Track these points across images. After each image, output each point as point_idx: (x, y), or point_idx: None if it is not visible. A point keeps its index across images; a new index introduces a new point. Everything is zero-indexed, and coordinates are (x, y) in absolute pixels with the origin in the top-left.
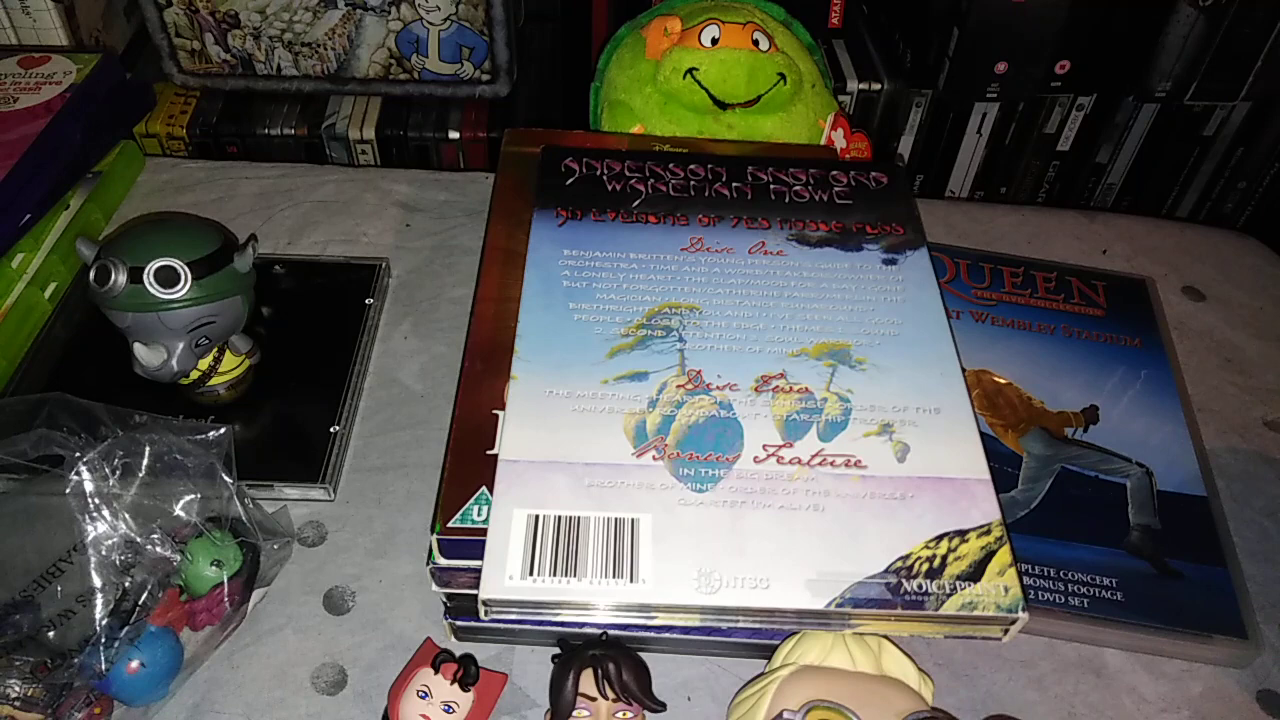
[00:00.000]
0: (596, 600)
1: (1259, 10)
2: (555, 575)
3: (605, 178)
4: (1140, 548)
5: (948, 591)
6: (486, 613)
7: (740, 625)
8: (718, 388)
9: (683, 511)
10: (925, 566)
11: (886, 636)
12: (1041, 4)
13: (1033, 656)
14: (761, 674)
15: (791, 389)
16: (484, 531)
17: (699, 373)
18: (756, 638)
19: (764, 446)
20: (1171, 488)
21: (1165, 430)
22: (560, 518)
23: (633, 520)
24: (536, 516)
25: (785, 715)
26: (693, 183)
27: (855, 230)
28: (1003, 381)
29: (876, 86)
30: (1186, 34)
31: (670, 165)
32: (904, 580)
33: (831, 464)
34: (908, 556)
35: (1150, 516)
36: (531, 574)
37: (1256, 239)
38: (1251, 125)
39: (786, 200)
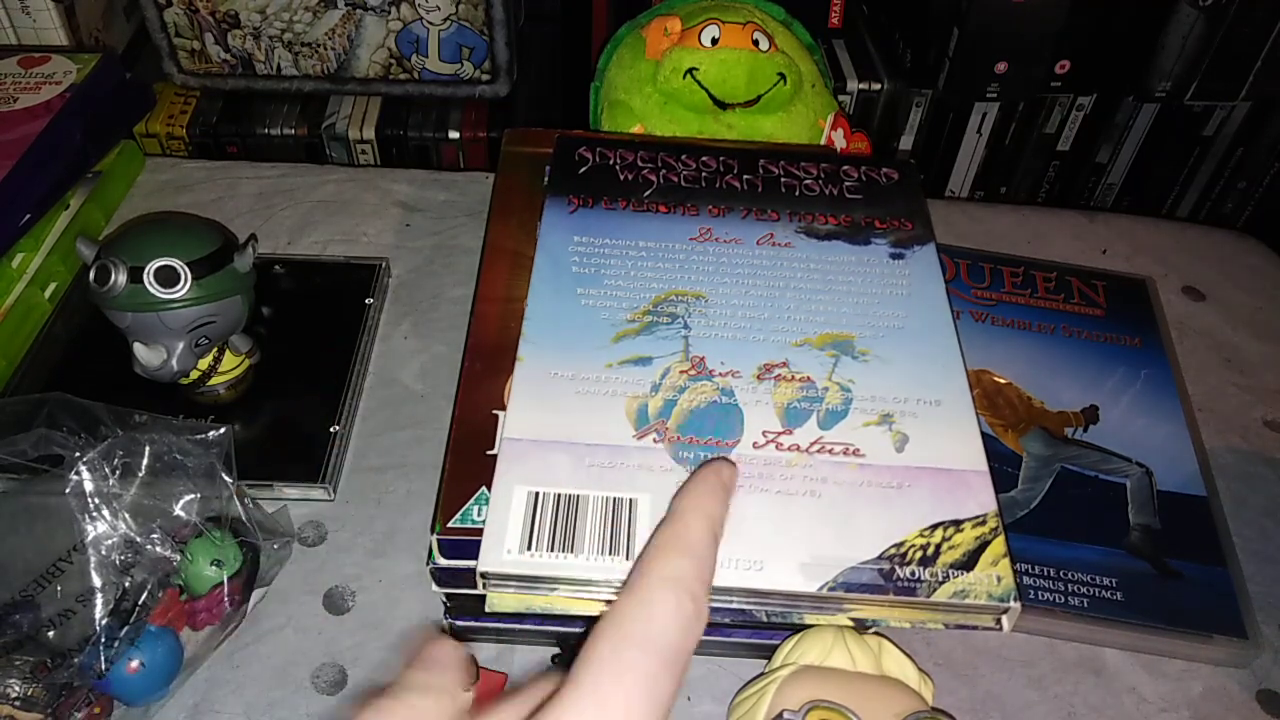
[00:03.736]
0: (592, 576)
1: (1259, 10)
2: (553, 551)
3: (618, 167)
4: (1140, 548)
5: (940, 579)
6: (484, 586)
7: (734, 606)
8: (720, 374)
9: None
10: (919, 554)
11: (883, 634)
12: (1041, 4)
13: (1033, 656)
14: (761, 674)
15: (793, 377)
16: (483, 531)
17: (702, 359)
18: (756, 637)
19: (763, 432)
20: (1171, 488)
21: (1165, 430)
22: (560, 495)
23: (631, 500)
24: (537, 494)
25: (785, 715)
26: (704, 174)
27: (864, 224)
28: (1003, 381)
29: (876, 86)
30: (1186, 34)
31: (682, 156)
32: (897, 567)
33: (830, 452)
34: (902, 544)
35: (1150, 516)
36: (529, 549)
37: (1256, 239)
38: (1251, 125)
39: (796, 193)
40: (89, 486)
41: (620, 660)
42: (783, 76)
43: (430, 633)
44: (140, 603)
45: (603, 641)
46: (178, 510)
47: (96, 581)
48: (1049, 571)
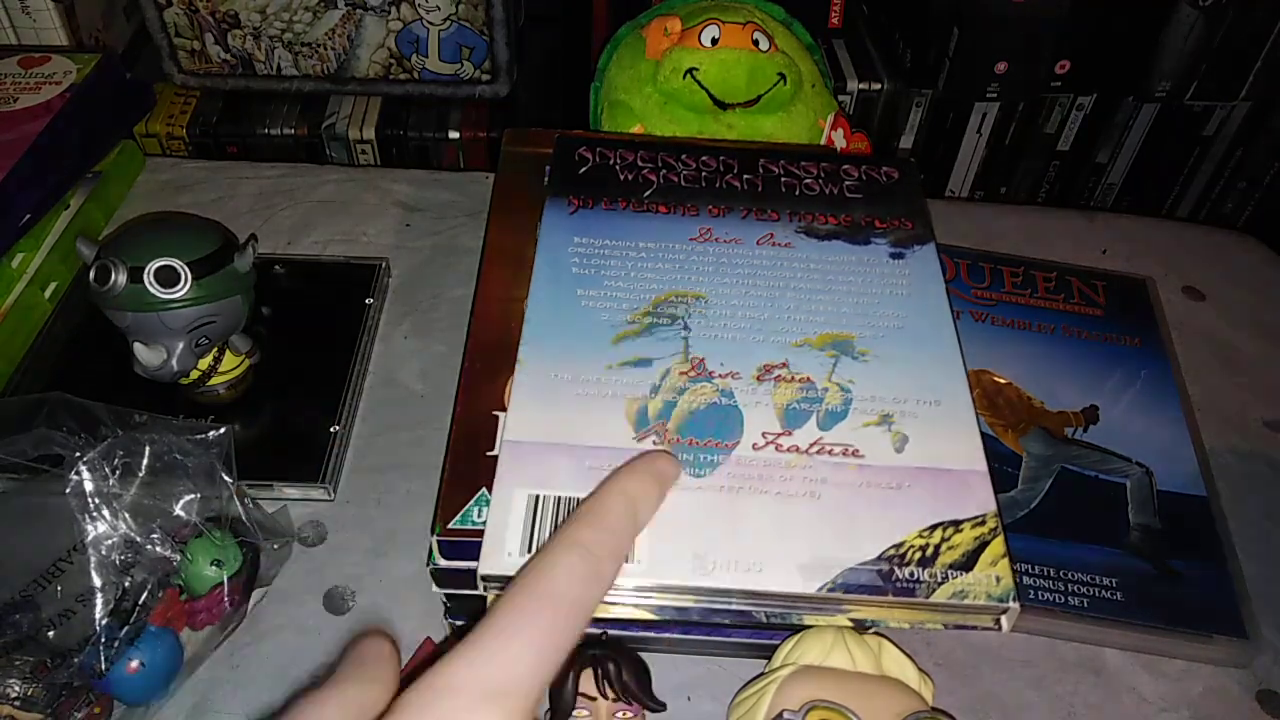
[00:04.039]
0: None
1: (1259, 10)
2: None
3: (617, 167)
4: (1140, 548)
5: (939, 580)
6: (485, 588)
7: (733, 607)
8: (720, 375)
9: (680, 495)
10: (918, 555)
11: (883, 634)
12: (1041, 4)
13: (1033, 656)
14: (761, 674)
15: (793, 378)
16: (483, 533)
17: (702, 360)
18: (756, 637)
19: (763, 434)
20: (1171, 488)
21: (1165, 430)
22: (560, 498)
23: None
24: (537, 496)
25: (785, 715)
26: (704, 174)
27: (864, 224)
28: (1003, 381)
29: (876, 86)
30: (1186, 34)
31: (682, 156)
32: (896, 568)
33: (829, 453)
34: (901, 545)
35: (1150, 516)
36: (530, 552)
37: (1256, 239)
38: (1251, 125)
39: (796, 193)
40: (89, 486)
41: (521, 607)
42: (783, 76)
43: (368, 635)
44: (140, 603)
45: (509, 593)
46: (178, 510)
47: (96, 581)
48: (1049, 571)
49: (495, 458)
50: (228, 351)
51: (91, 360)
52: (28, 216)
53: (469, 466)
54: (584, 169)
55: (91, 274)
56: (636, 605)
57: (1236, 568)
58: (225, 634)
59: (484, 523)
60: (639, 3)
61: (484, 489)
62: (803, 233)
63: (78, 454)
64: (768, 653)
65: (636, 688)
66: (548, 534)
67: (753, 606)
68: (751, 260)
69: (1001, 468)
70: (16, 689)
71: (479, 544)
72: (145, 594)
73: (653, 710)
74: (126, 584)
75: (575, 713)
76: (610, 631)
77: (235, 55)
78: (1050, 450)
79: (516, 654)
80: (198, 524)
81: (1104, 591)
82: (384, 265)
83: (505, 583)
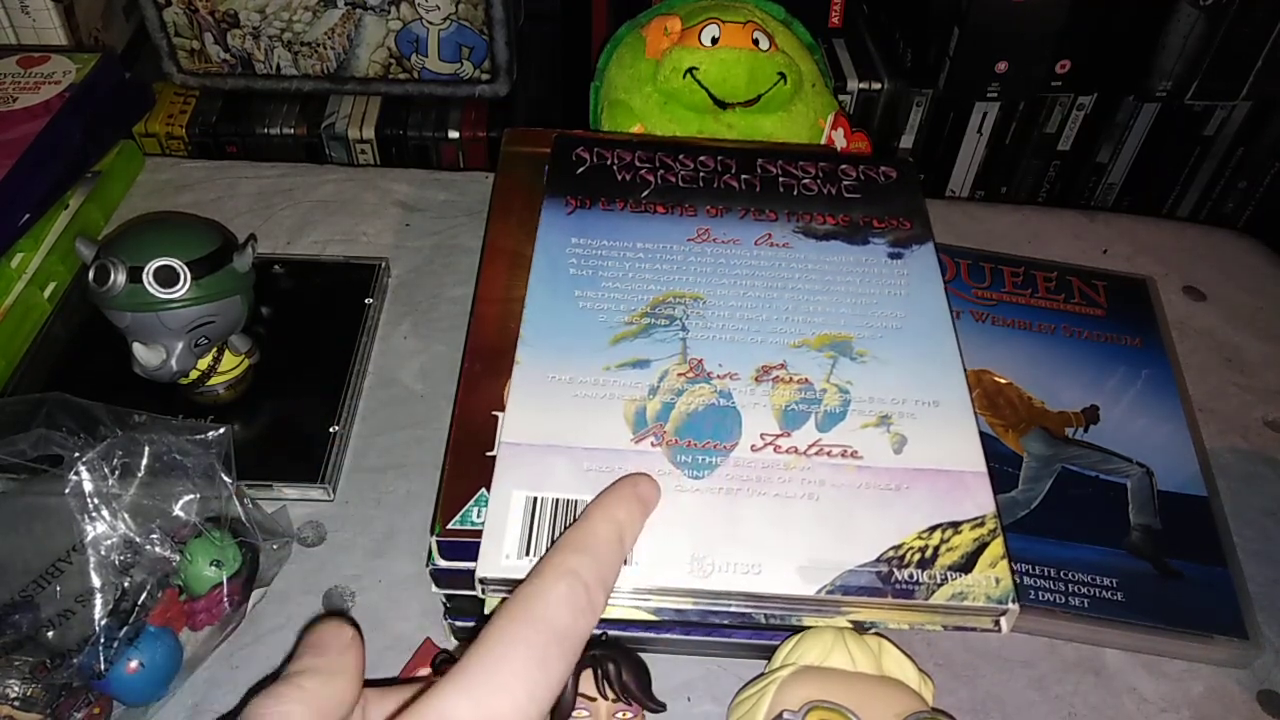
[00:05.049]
0: None
1: (1259, 10)
2: None
3: (615, 167)
4: (1141, 548)
5: (938, 581)
6: (483, 591)
7: (732, 609)
8: (718, 376)
9: (678, 497)
10: (917, 556)
11: (883, 635)
12: (1042, 4)
13: (1033, 656)
14: (761, 674)
15: (791, 379)
16: (482, 537)
17: (700, 361)
18: (756, 638)
19: (761, 435)
20: (1172, 488)
21: (1166, 430)
22: (558, 500)
23: None
24: (535, 498)
25: (785, 715)
26: (702, 174)
27: (862, 224)
28: (1003, 381)
29: (877, 86)
30: (1187, 34)
31: (680, 156)
32: (895, 569)
33: (828, 454)
34: (900, 546)
35: (1151, 516)
36: (528, 554)
37: (1256, 239)
38: (1252, 125)
39: (795, 193)
40: (88, 486)
41: (513, 635)
42: (783, 76)
43: (326, 621)
44: (139, 603)
45: (499, 620)
46: (177, 510)
47: (96, 582)
48: (1049, 572)
49: (495, 458)
50: (227, 351)
51: (91, 360)
52: (27, 216)
53: (469, 467)
54: (581, 169)
55: (91, 274)
56: (635, 607)
57: (1237, 568)
58: (225, 634)
59: (484, 523)
60: (639, 2)
61: (484, 489)
62: (801, 233)
63: (77, 454)
64: (768, 653)
65: (636, 688)
66: (545, 536)
67: (751, 608)
68: (749, 260)
69: (1002, 468)
70: (16, 689)
71: (479, 545)
72: (144, 594)
73: (653, 710)
74: (126, 584)
75: (575, 713)
76: (610, 632)
77: (235, 55)
78: (1050, 450)
79: (508, 683)
80: (197, 524)
81: (1104, 591)
82: (383, 265)
83: (502, 585)
